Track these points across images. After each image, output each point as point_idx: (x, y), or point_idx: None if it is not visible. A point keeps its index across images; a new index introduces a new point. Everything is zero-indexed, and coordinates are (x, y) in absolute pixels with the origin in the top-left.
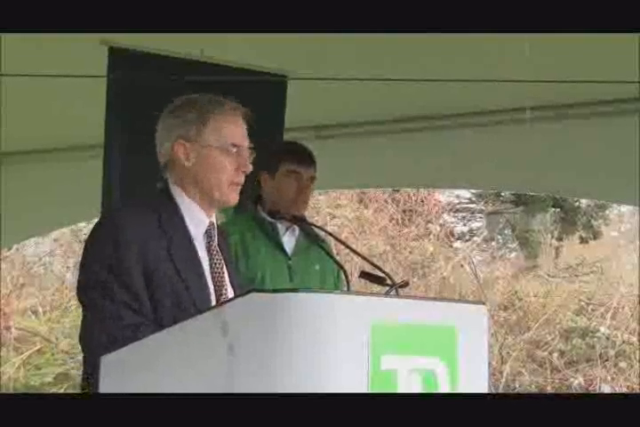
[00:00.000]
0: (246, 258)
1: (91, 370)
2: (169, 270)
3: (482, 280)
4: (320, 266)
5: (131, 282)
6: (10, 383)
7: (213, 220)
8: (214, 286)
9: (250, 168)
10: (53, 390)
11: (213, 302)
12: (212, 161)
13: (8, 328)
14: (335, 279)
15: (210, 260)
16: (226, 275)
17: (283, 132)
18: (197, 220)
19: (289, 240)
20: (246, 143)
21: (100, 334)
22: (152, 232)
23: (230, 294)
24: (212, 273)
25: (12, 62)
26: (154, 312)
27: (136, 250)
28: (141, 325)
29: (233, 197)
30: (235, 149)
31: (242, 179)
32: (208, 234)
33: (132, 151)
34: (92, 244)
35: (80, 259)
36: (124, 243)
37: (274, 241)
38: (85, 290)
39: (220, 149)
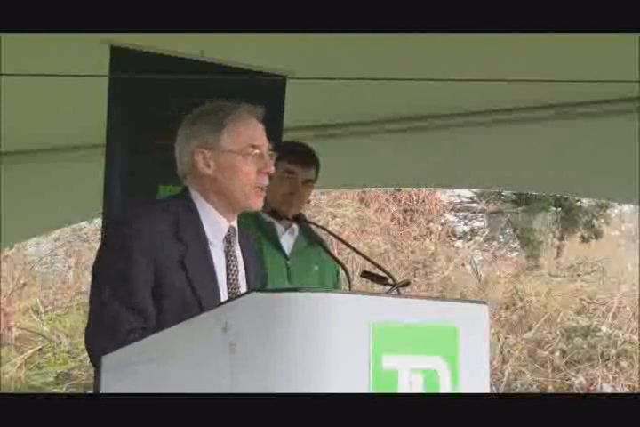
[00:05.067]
0: None
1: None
2: (180, 280)
3: (483, 280)
4: (319, 267)
5: (137, 291)
6: (11, 383)
7: (234, 224)
8: (228, 292)
9: (272, 169)
10: (55, 389)
11: None
12: (233, 166)
13: (9, 328)
14: (334, 280)
15: (227, 266)
16: (241, 280)
17: (282, 131)
18: (216, 226)
19: (288, 240)
20: (265, 144)
21: (103, 340)
22: (166, 240)
23: None
24: (227, 279)
25: (12, 62)
26: (161, 321)
27: (147, 259)
28: (144, 332)
29: (257, 202)
30: (254, 151)
31: (265, 181)
32: (227, 239)
33: (133, 151)
34: (104, 250)
35: (93, 263)
36: (135, 252)
37: (272, 241)
38: (93, 295)
39: (240, 152)
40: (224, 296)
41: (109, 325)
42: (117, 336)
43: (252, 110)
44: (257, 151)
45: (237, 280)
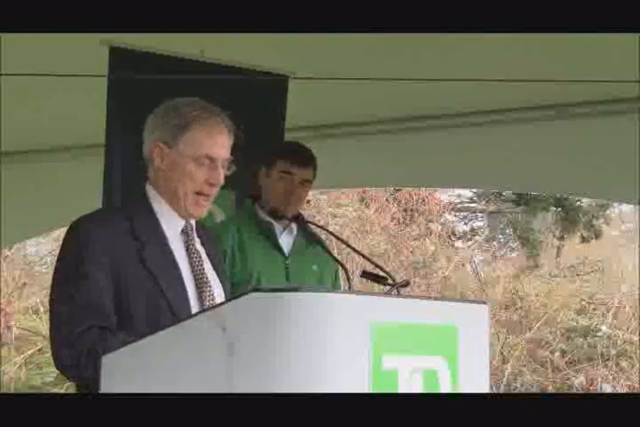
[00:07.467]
0: (243, 257)
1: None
2: (141, 275)
3: (483, 280)
4: (318, 266)
5: (92, 290)
6: (11, 383)
7: (192, 220)
8: (195, 285)
9: (221, 181)
10: (55, 389)
11: (192, 302)
12: (183, 170)
13: (9, 328)
14: (334, 280)
15: (189, 259)
16: (209, 273)
17: (283, 131)
18: (172, 221)
19: (286, 240)
20: (224, 156)
21: (62, 345)
22: (122, 239)
23: (215, 290)
24: (192, 272)
25: (12, 62)
26: (131, 317)
27: (103, 260)
28: (105, 331)
29: (197, 209)
30: (208, 161)
31: (211, 190)
32: (185, 234)
33: (133, 151)
34: (59, 255)
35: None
36: (88, 254)
37: (271, 241)
38: (51, 300)
39: (193, 159)
40: (191, 291)
41: (67, 326)
42: (75, 335)
43: (221, 121)
44: (210, 162)
45: (204, 273)
